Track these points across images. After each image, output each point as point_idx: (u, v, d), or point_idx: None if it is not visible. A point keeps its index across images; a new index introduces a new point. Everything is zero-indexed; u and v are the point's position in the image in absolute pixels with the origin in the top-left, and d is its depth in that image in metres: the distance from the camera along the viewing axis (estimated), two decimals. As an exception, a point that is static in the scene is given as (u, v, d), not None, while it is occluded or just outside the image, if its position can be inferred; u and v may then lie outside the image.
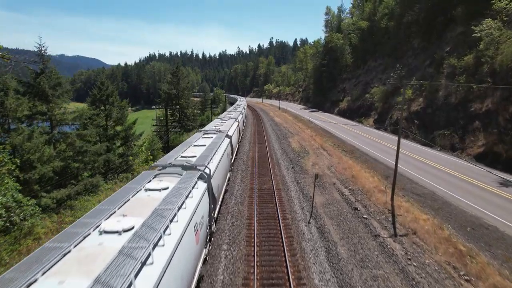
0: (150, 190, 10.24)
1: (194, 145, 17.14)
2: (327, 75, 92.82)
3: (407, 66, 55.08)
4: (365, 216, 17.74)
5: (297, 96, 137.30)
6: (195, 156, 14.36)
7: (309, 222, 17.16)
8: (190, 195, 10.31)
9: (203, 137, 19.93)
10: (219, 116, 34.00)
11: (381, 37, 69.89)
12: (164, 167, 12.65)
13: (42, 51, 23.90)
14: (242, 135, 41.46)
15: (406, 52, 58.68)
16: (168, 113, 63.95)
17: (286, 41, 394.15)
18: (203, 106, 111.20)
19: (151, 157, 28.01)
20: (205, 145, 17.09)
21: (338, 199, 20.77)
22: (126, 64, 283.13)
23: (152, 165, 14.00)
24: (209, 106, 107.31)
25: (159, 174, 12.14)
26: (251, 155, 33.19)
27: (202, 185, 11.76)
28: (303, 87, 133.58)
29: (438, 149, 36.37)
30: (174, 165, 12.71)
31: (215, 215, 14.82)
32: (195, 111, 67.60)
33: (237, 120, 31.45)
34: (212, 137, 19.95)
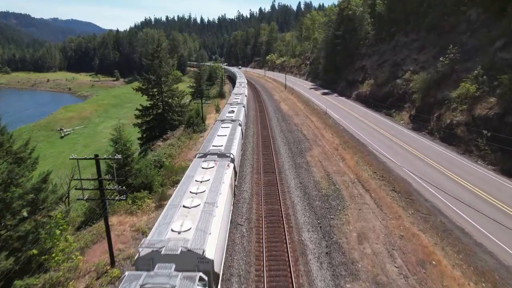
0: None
1: None
2: (342, 49, 78.20)
3: (460, 46, 41.27)
4: None
5: (303, 70, 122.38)
6: None
7: None
8: None
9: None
10: (200, 153, 20.45)
11: (417, 4, 55.09)
12: None
13: None
14: (241, 157, 28.90)
15: (457, 26, 44.56)
16: (149, 104, 51.07)
17: (289, 5, 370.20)
18: (197, 81, 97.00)
19: (73, 248, 15.19)
20: None
21: None
22: (117, 30, 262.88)
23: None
24: (207, 87, 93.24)
25: None
26: (255, 212, 20.87)
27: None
28: (311, 59, 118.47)
29: (537, 186, 24.07)
30: None
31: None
32: (183, 100, 54.41)
33: (231, 164, 18.52)
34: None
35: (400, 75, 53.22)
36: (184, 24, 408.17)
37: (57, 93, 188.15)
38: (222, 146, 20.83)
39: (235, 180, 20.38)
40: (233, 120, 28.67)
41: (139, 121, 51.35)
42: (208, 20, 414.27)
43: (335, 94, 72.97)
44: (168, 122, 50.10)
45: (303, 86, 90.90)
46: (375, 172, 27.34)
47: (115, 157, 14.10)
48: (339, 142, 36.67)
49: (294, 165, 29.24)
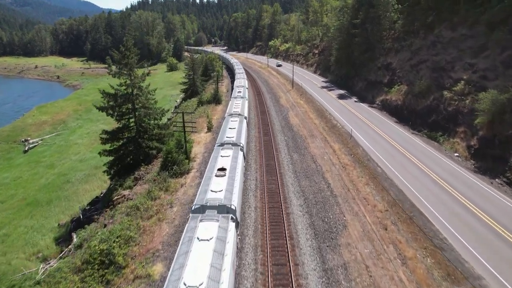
0: None
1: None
2: (361, 42, 64.85)
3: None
4: None
5: (311, 60, 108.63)
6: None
7: None
8: None
9: None
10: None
11: (471, -11, 41.73)
12: None
13: None
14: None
15: (543, 23, 31.70)
16: (116, 128, 38.81)
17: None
18: (189, 74, 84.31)
19: None
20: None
21: None
22: (110, 12, 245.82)
23: None
24: (202, 82, 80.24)
25: None
26: None
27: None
28: (320, 48, 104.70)
29: None
30: None
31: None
32: (163, 119, 42.15)
33: None
34: None
35: (448, 84, 40.57)
36: (182, 4, 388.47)
37: (45, 81, 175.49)
38: None
39: None
40: (222, 210, 16.52)
41: (108, 146, 39.34)
42: (208, 0, 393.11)
43: (354, 99, 60.22)
44: (143, 151, 38.03)
45: (312, 82, 77.98)
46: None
47: None
48: (383, 205, 24.67)
49: (327, 279, 17.39)
